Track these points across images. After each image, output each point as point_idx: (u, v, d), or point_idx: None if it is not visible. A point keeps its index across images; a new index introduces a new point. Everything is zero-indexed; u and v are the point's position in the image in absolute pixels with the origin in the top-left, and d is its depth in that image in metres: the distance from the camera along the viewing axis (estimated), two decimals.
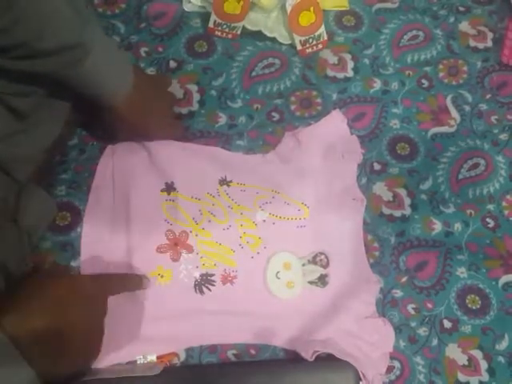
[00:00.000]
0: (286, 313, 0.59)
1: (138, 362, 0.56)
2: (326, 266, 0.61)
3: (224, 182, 0.64)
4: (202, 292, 0.59)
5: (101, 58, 0.52)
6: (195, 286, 0.60)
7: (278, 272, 0.61)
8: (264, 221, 0.63)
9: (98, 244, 0.60)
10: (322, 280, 0.61)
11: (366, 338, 0.58)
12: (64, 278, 0.50)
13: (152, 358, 0.56)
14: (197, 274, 0.60)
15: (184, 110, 0.69)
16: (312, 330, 0.58)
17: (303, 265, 0.62)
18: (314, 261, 0.62)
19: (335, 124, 0.68)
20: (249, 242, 0.62)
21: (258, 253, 0.62)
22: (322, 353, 0.56)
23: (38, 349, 0.44)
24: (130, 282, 0.58)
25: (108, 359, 0.55)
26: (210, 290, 0.59)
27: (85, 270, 0.60)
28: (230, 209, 0.63)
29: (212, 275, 0.60)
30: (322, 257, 0.62)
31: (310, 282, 0.61)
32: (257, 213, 0.63)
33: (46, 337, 0.44)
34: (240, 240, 0.62)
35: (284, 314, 0.59)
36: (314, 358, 0.55)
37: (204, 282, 0.60)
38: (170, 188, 0.63)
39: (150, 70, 0.71)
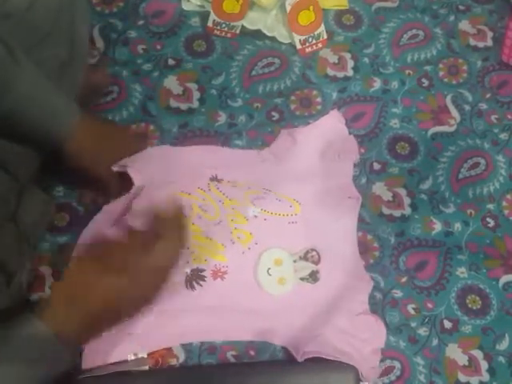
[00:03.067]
0: (278, 309, 0.59)
1: (129, 359, 0.56)
2: (317, 262, 0.61)
3: (215, 179, 0.64)
4: (192, 287, 0.59)
5: (33, 85, 0.49)
6: (186, 281, 0.59)
7: (269, 268, 0.61)
8: (255, 216, 0.62)
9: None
10: (314, 276, 0.61)
11: (358, 335, 0.57)
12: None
13: (143, 355, 0.56)
14: (188, 270, 0.60)
15: (184, 107, 0.68)
16: (304, 326, 0.58)
17: (294, 261, 0.61)
18: (305, 257, 0.61)
19: (333, 124, 0.68)
20: (240, 238, 0.62)
21: (249, 248, 0.61)
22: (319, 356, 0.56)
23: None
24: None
25: (100, 359, 0.55)
26: (200, 285, 0.59)
27: None
28: (221, 204, 0.63)
29: (203, 270, 0.60)
30: (314, 253, 0.62)
31: (302, 279, 0.61)
32: (248, 208, 0.63)
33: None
34: (231, 235, 0.61)
35: (276, 310, 0.59)
36: (303, 359, 0.55)
37: (195, 278, 0.59)
38: None
39: (147, 66, 0.70)
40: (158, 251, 0.48)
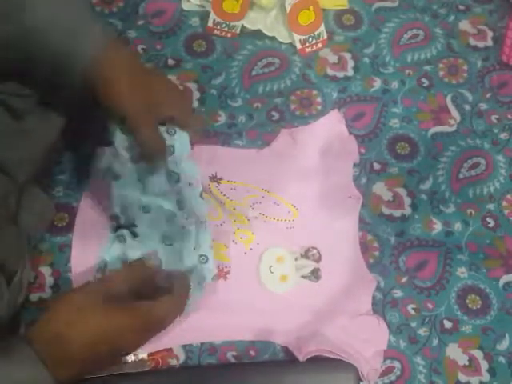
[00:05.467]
0: (281, 308, 0.59)
1: (129, 360, 0.56)
2: (318, 260, 0.62)
3: (214, 179, 0.64)
4: None
5: (48, 10, 0.43)
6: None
7: (271, 266, 0.61)
8: (256, 217, 0.63)
9: (90, 244, 0.60)
10: (315, 274, 0.61)
11: (360, 336, 0.58)
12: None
13: (143, 355, 0.56)
14: None
15: None
16: (306, 325, 0.58)
17: (296, 259, 0.62)
18: (306, 255, 0.62)
19: (333, 124, 0.68)
20: (242, 238, 0.62)
21: (251, 248, 0.62)
22: (320, 354, 0.56)
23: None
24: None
25: None
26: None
27: (76, 268, 0.59)
28: (222, 204, 0.63)
29: None
30: (314, 251, 0.62)
31: (303, 277, 0.61)
32: (248, 210, 0.63)
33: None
34: (233, 236, 0.62)
35: (278, 308, 0.59)
36: (305, 358, 0.55)
37: None
38: None
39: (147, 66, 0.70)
40: (165, 304, 0.49)
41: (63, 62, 0.45)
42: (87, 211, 0.62)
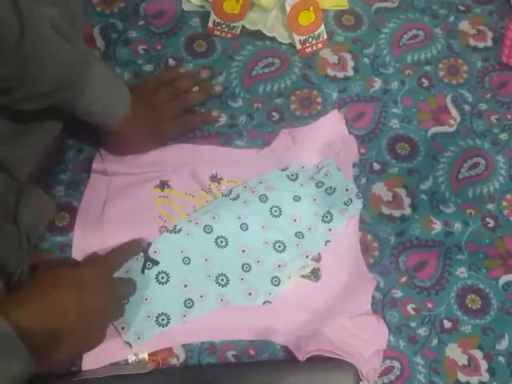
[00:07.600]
0: (280, 307, 0.59)
1: (130, 361, 0.56)
2: (318, 260, 0.62)
3: (215, 178, 0.64)
4: None
5: (97, 91, 0.53)
6: None
7: None
8: None
9: (90, 243, 0.60)
10: (315, 274, 0.61)
11: (359, 335, 0.58)
12: (64, 268, 0.53)
13: (143, 355, 0.56)
14: None
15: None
16: (305, 324, 0.58)
17: None
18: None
19: (333, 124, 0.68)
20: None
21: None
22: (320, 353, 0.56)
23: (36, 336, 0.44)
24: (127, 252, 0.59)
25: (100, 360, 0.55)
26: None
27: None
28: None
29: None
30: None
31: (303, 276, 0.61)
32: None
33: (44, 324, 0.45)
34: None
35: (278, 308, 0.59)
36: (305, 358, 0.55)
37: None
38: (163, 185, 0.63)
39: (148, 67, 0.70)
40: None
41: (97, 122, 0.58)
42: (88, 211, 0.62)
